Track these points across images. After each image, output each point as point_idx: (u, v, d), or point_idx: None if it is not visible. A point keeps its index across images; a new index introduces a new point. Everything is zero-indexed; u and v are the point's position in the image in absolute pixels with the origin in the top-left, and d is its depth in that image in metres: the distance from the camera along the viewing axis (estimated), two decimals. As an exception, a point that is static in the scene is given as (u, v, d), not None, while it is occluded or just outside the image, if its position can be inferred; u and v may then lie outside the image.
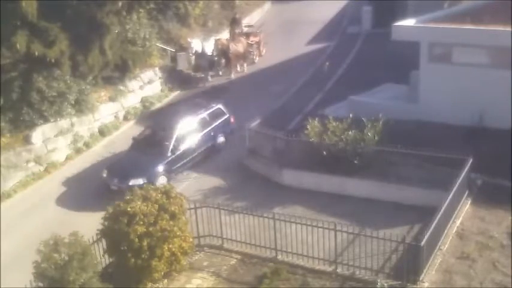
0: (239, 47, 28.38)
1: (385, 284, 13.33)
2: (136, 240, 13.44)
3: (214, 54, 27.89)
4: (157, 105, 25.90)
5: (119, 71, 24.94)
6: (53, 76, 21.29)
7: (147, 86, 26.12)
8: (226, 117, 21.64)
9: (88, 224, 15.32)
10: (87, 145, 22.38)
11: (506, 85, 18.36)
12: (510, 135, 17.48)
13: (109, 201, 14.97)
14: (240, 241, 15.48)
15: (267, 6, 37.50)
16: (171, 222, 13.99)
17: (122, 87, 24.92)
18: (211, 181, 19.02)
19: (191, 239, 14.87)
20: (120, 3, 23.24)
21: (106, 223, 14.10)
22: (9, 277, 14.84)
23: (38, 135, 20.90)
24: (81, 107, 22.43)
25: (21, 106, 20.63)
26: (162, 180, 18.35)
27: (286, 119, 21.97)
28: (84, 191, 19.27)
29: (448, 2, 26.61)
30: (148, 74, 26.46)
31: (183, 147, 19.72)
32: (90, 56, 22.48)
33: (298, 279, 14.10)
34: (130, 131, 23.15)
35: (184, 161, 19.85)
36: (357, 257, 14.12)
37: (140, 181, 18.00)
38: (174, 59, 27.92)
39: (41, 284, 12.47)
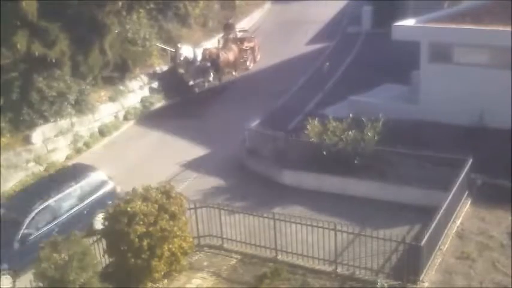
0: (229, 55, 27.88)
1: (385, 284, 13.32)
2: (137, 240, 13.44)
3: (202, 63, 27.24)
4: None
5: (119, 71, 24.95)
6: (53, 76, 21.32)
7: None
8: (109, 187, 17.28)
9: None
10: (87, 145, 22.41)
11: (506, 85, 18.36)
12: (510, 135, 17.48)
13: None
14: (240, 241, 15.46)
15: (267, 6, 37.53)
16: (171, 222, 13.98)
17: (122, 87, 24.93)
18: (211, 181, 19.00)
19: (191, 239, 14.87)
20: (120, 3, 23.29)
21: (106, 223, 14.10)
22: None
23: (38, 135, 20.92)
24: (81, 107, 22.45)
25: (21, 106, 20.66)
26: (5, 281, 14.51)
27: (286, 119, 21.95)
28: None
29: (448, 2, 26.59)
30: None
31: (40, 235, 15.36)
32: (90, 56, 22.55)
33: (298, 279, 14.08)
34: (130, 131, 23.09)
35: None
36: (356, 257, 14.10)
37: None
38: (173, 59, 27.84)
39: (41, 284, 12.47)
